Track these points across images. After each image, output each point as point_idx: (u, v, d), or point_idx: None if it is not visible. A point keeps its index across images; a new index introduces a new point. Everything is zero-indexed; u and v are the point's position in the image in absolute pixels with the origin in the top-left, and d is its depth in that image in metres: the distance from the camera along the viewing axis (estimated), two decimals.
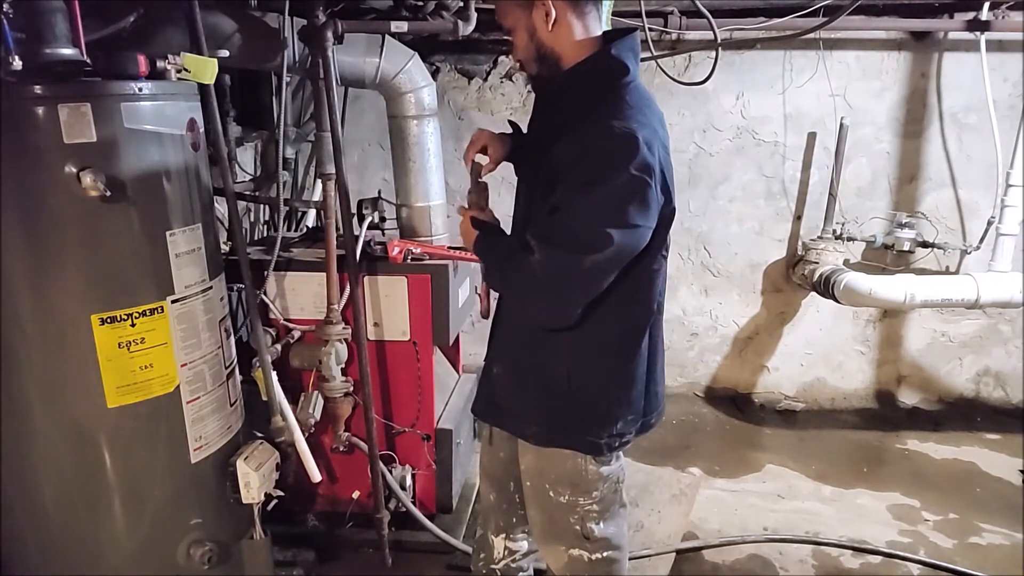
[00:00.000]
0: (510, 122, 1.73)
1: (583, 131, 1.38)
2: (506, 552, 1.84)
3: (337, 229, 2.18)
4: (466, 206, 1.64)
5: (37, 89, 1.44)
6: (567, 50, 1.45)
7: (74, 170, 1.46)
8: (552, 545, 1.69)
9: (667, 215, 1.46)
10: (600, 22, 1.48)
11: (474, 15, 2.37)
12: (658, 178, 1.38)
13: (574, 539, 1.64)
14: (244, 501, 1.86)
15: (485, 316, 1.79)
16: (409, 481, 2.44)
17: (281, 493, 1.96)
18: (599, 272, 1.39)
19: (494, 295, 1.69)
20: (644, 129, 1.36)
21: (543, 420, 1.58)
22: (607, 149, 1.34)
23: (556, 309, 1.45)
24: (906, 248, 3.41)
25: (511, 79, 3.52)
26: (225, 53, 1.89)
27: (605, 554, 1.65)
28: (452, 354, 2.84)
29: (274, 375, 2.07)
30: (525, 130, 1.67)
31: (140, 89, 1.55)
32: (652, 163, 1.35)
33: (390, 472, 2.40)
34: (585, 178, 1.34)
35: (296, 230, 2.87)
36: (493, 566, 1.86)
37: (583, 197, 1.34)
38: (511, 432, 1.66)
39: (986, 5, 3.05)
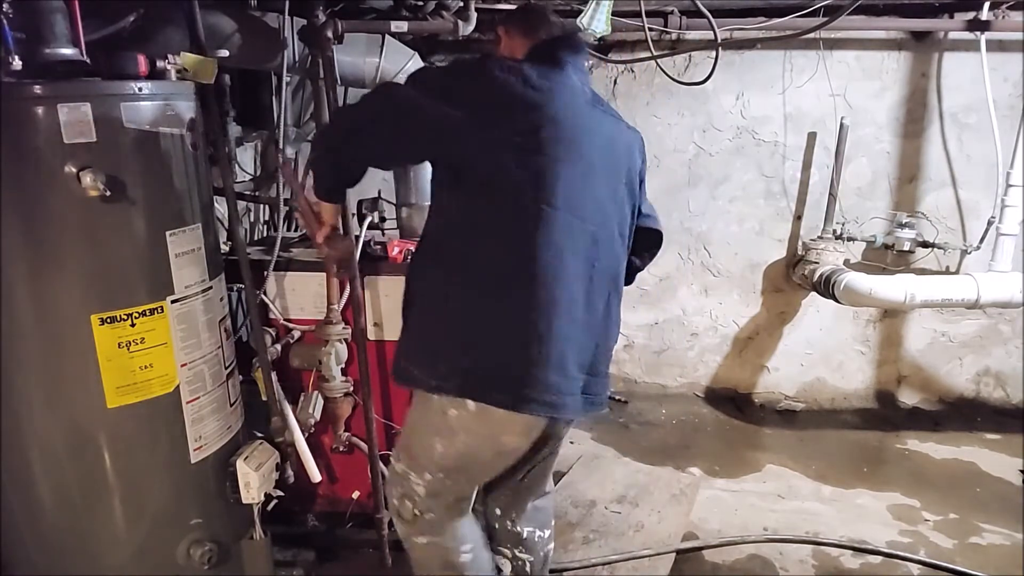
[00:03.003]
0: None
1: None
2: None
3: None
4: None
5: (37, 89, 1.44)
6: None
7: (74, 170, 1.46)
8: None
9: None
10: None
11: (474, 15, 2.38)
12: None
13: None
14: (244, 501, 1.87)
15: None
16: None
17: (281, 493, 1.96)
18: None
19: None
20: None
21: None
22: None
23: None
24: (906, 248, 3.40)
25: None
26: (225, 53, 1.89)
27: None
28: None
29: (274, 375, 2.07)
30: None
31: (140, 89, 1.56)
32: None
33: None
34: None
35: (296, 230, 2.87)
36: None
37: None
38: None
39: (986, 5, 3.05)
